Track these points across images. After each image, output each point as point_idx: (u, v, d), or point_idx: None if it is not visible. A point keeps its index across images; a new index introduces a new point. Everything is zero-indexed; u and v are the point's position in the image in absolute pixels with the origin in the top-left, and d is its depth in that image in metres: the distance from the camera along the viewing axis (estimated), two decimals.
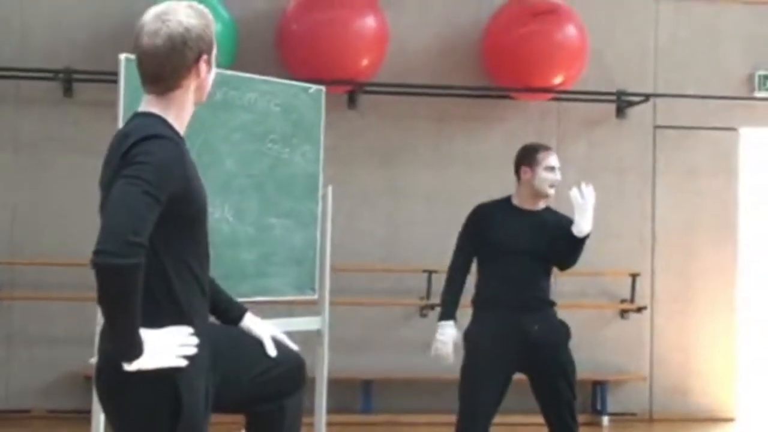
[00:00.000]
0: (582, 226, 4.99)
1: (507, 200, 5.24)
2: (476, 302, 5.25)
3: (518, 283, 5.07)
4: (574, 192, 4.98)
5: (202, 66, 2.82)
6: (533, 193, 5.16)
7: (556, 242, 5.07)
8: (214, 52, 2.87)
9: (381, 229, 8.11)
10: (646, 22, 8.48)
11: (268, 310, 5.29)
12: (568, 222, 5.09)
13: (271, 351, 3.06)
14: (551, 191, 5.15)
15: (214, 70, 2.90)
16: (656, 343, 8.39)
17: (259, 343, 3.07)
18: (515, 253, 5.06)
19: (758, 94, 8.49)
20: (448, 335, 5.17)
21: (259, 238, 5.53)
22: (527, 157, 5.19)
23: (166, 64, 2.75)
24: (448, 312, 5.21)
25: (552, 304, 5.24)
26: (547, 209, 5.22)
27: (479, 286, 5.24)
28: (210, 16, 2.85)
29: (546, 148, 5.23)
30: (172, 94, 2.80)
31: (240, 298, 4.88)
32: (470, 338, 5.17)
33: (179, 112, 2.83)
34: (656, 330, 8.39)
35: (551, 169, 5.12)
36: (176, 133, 2.80)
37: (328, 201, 5.85)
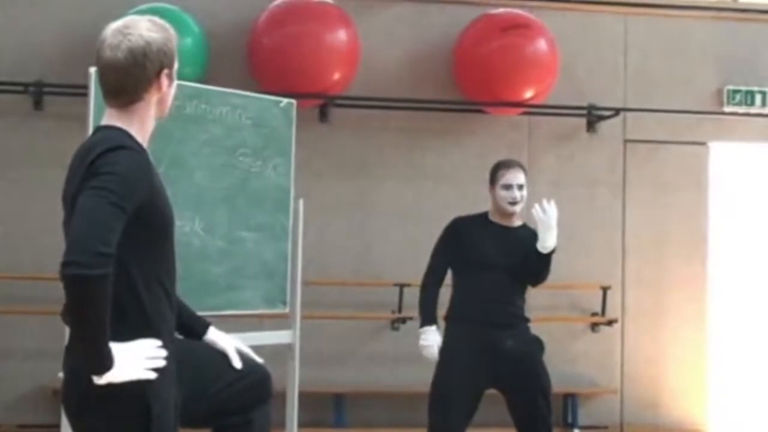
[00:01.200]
0: (546, 241, 5.04)
1: (484, 215, 5.29)
2: (449, 316, 5.28)
3: (492, 299, 5.12)
4: (536, 209, 5.02)
5: (164, 80, 2.84)
6: (499, 210, 5.22)
7: (528, 259, 5.12)
8: (176, 66, 2.90)
9: (352, 242, 8.13)
10: (616, 36, 8.55)
11: (238, 324, 5.30)
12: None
13: (237, 363, 3.08)
14: (512, 209, 5.18)
15: (176, 84, 2.93)
16: (627, 356, 8.44)
17: (223, 356, 3.09)
18: (490, 268, 5.10)
19: (727, 109, 8.57)
20: (432, 339, 5.18)
21: (230, 252, 5.54)
22: (491, 174, 5.28)
23: (128, 77, 2.78)
24: (428, 318, 5.23)
25: (526, 320, 5.29)
26: (524, 226, 5.26)
27: (453, 300, 5.29)
28: (172, 31, 2.88)
29: (507, 166, 5.26)
30: (134, 107, 2.83)
31: (210, 311, 4.91)
32: (441, 352, 5.20)
33: (141, 125, 2.85)
34: (627, 343, 8.44)
35: (507, 187, 5.15)
36: (140, 145, 2.82)
37: (299, 214, 5.86)
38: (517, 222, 5.25)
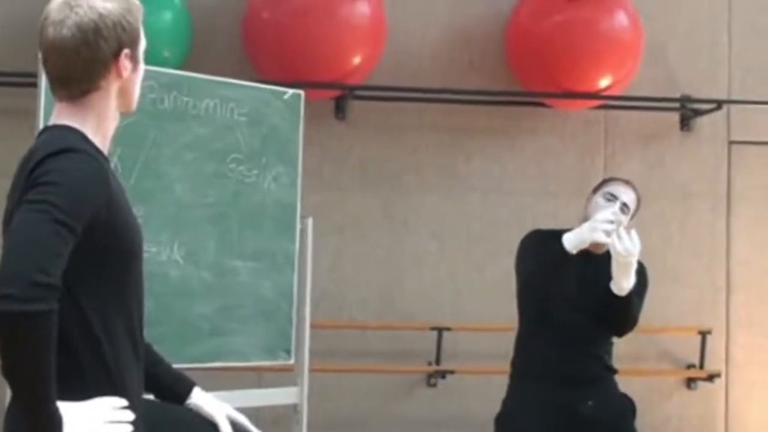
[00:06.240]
0: (621, 281, 5.00)
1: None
2: (513, 367, 5.30)
3: (567, 345, 5.12)
4: (613, 239, 4.95)
5: (124, 62, 2.85)
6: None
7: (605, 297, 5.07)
8: (142, 45, 2.91)
9: (377, 273, 8.12)
10: (717, 7, 8.53)
11: (229, 380, 5.31)
12: (637, 268, 5.09)
13: None
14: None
15: (143, 69, 2.94)
16: (733, 420, 8.38)
17: (211, 426, 3.09)
18: (565, 306, 5.09)
19: None
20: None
21: (219, 286, 5.57)
22: (597, 185, 5.32)
23: (77, 61, 2.80)
24: None
25: (612, 372, 5.29)
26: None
27: (518, 347, 5.31)
28: (134, 0, 2.89)
29: (622, 180, 5.31)
30: (88, 98, 2.85)
31: (192, 363, 4.93)
32: (502, 417, 5.22)
33: (99, 123, 2.87)
34: (733, 404, 8.39)
35: (611, 197, 5.13)
36: (97, 149, 2.84)
37: (307, 238, 5.88)
38: (605, 248, 5.18)
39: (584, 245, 4.93)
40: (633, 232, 4.98)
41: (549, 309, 5.12)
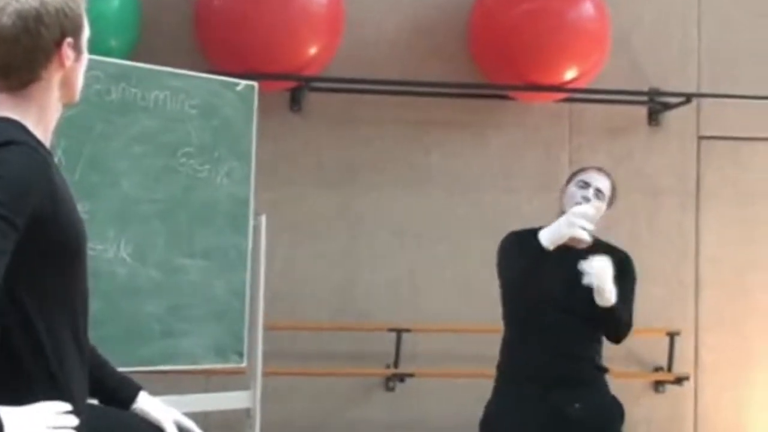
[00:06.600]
0: (602, 294, 5.01)
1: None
2: (500, 371, 5.32)
3: (556, 347, 5.12)
4: (586, 263, 4.97)
5: (66, 51, 2.83)
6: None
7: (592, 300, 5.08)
8: (85, 33, 2.89)
9: (333, 272, 8.11)
10: None
11: (178, 383, 5.28)
12: (622, 262, 5.13)
13: None
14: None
15: (87, 59, 2.91)
16: (702, 423, 8.42)
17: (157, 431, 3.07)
18: (549, 306, 5.11)
19: None
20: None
21: (168, 285, 5.56)
22: (570, 176, 5.32)
23: (17, 50, 2.77)
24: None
25: (602, 371, 5.31)
26: (596, 245, 5.16)
27: (505, 350, 5.31)
28: None
29: (594, 168, 5.35)
30: (29, 89, 2.82)
31: (140, 366, 4.90)
32: (488, 421, 5.23)
33: (41, 114, 2.85)
34: (702, 407, 8.42)
35: (584, 185, 5.16)
36: (39, 142, 2.81)
37: (261, 235, 5.86)
38: (585, 243, 5.14)
39: (562, 240, 4.90)
40: (598, 258, 5.00)
41: (535, 311, 5.11)
